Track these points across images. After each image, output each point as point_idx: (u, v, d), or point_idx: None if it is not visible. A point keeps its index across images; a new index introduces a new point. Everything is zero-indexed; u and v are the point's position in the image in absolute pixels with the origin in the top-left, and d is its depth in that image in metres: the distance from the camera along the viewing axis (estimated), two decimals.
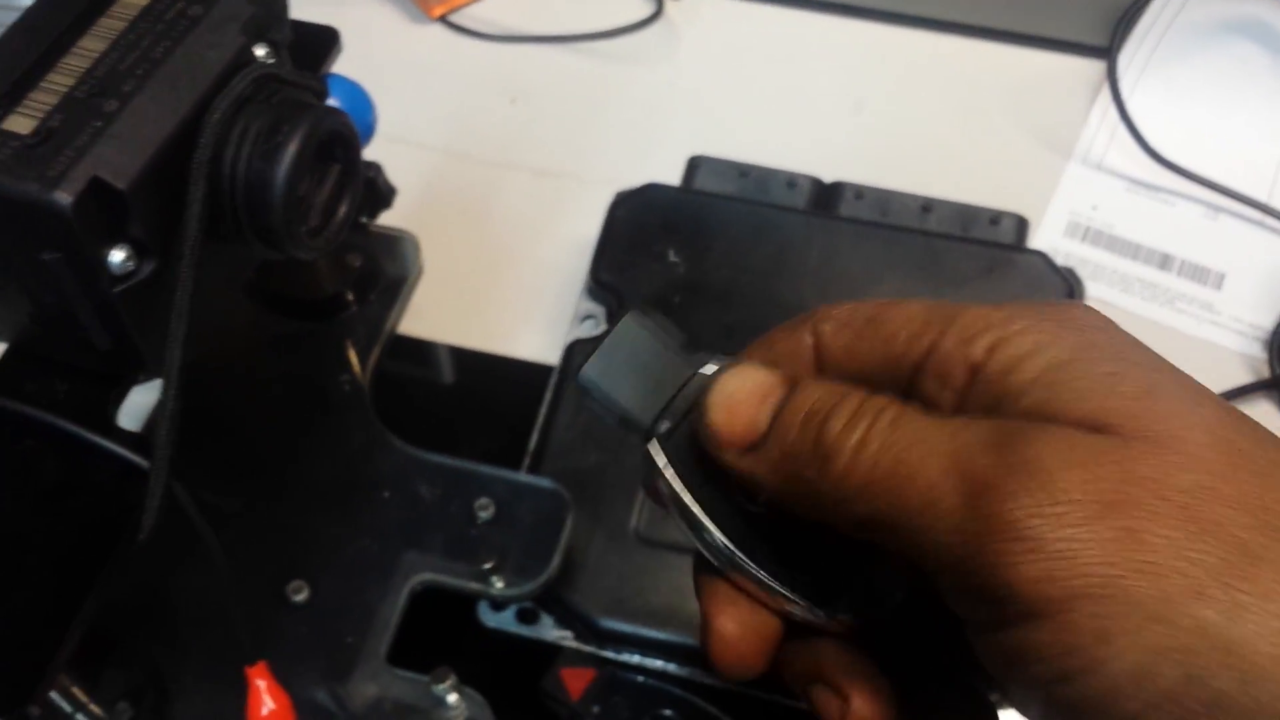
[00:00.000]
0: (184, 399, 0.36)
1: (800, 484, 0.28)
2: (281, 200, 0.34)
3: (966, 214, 0.65)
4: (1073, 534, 0.24)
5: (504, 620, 0.52)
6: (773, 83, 0.76)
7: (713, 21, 0.79)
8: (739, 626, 0.30)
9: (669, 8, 0.79)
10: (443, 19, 0.77)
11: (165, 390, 0.35)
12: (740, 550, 0.29)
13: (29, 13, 0.36)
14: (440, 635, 0.51)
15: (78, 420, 0.38)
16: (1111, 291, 0.67)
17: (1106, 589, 0.24)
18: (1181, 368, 0.27)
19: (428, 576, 0.49)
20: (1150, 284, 0.67)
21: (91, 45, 0.35)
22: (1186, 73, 0.73)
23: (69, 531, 0.37)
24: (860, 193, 0.66)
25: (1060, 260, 0.63)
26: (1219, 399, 0.26)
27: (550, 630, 0.52)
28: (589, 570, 0.52)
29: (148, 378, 0.38)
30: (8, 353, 0.40)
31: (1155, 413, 0.25)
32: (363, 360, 0.55)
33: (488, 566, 0.48)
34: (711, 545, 0.29)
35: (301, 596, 0.49)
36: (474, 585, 0.49)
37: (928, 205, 0.65)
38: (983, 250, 0.62)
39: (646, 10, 0.78)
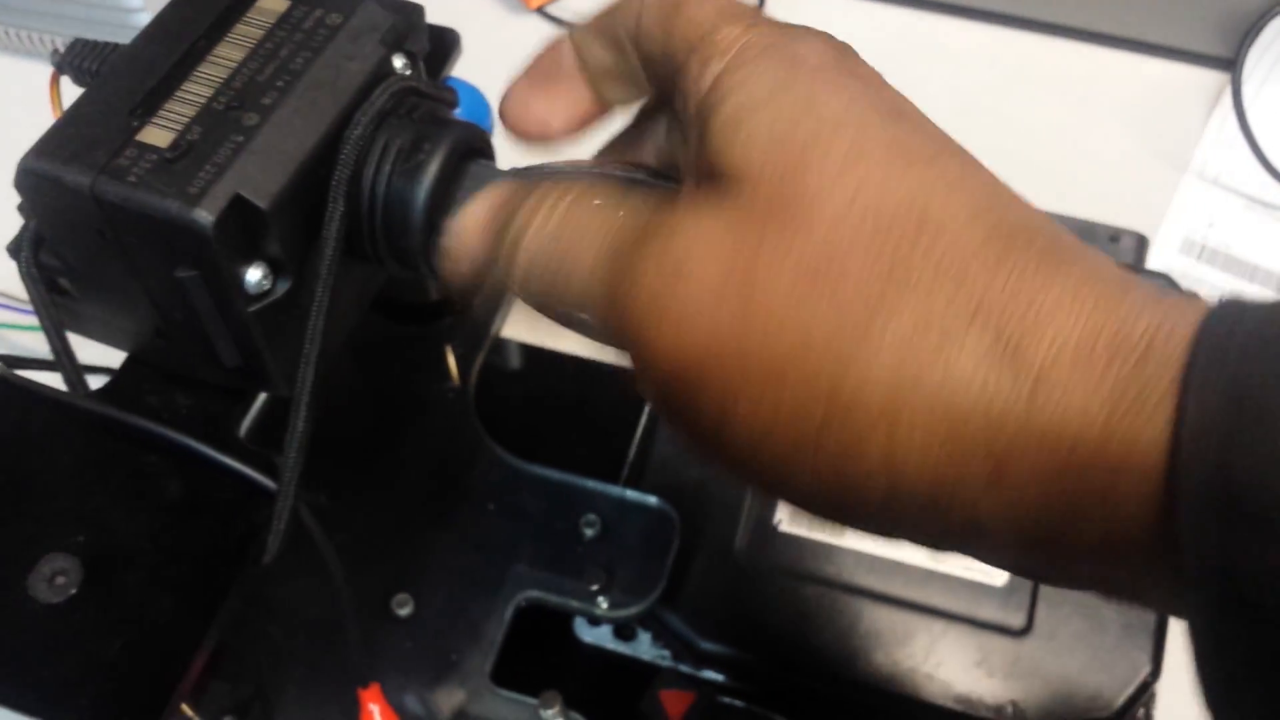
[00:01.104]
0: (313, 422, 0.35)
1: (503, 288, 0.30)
2: (422, 221, 0.33)
3: (1085, 231, 0.62)
4: (694, 310, 0.25)
5: (601, 636, 0.51)
6: None
7: (814, 18, 0.77)
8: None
9: (771, 3, 0.77)
10: (540, 10, 0.76)
11: (294, 412, 0.34)
12: None
13: (161, 17, 0.35)
14: (535, 648, 0.50)
15: (201, 437, 0.37)
16: None
17: (725, 355, 0.25)
18: None
19: (533, 594, 0.48)
20: None
21: (228, 53, 0.34)
22: None
23: (193, 551, 0.36)
24: None
25: (1175, 277, 0.61)
26: (907, 143, 0.26)
27: (648, 648, 0.51)
28: (690, 589, 0.51)
29: (274, 394, 0.37)
30: (127, 363, 0.39)
31: (809, 167, 0.25)
32: (466, 367, 0.54)
33: (595, 588, 0.47)
34: None
35: (406, 610, 0.48)
36: (579, 604, 0.48)
37: None
38: None
39: (749, 4, 0.77)
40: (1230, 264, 0.67)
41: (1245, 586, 0.20)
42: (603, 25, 0.32)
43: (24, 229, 0.36)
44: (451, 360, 0.54)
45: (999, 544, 0.25)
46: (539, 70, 0.34)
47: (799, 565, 0.51)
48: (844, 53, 0.29)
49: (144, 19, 0.60)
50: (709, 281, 0.25)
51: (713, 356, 0.25)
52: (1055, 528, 0.24)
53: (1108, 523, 0.23)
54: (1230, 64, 0.71)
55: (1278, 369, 0.21)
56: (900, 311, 0.24)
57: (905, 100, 0.29)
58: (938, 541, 0.27)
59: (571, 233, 0.29)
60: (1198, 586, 0.21)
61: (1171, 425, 0.22)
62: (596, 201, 0.29)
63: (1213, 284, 0.66)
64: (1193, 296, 0.24)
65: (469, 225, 0.31)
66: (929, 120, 0.28)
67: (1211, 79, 0.73)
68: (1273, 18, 0.69)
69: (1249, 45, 0.70)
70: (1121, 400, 0.22)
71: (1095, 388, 0.23)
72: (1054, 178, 0.69)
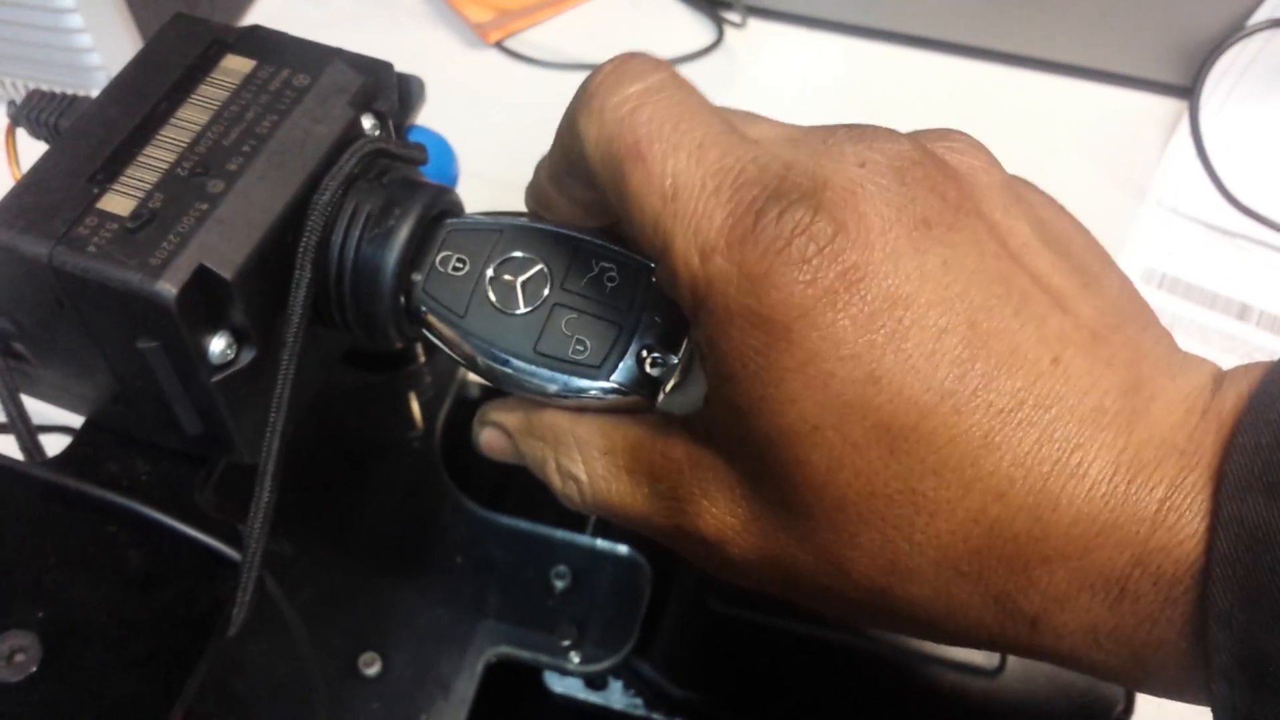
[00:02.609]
0: (279, 491, 0.34)
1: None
2: (391, 287, 0.32)
3: None
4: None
5: (571, 686, 0.50)
6: (836, 113, 0.74)
7: (774, 49, 0.77)
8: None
9: (729, 35, 0.76)
10: (499, 45, 0.75)
11: (260, 483, 0.33)
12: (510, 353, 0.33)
13: (122, 76, 0.34)
14: (506, 699, 0.49)
15: (162, 506, 0.35)
16: (1190, 342, 0.65)
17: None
18: None
19: (503, 650, 0.47)
20: (1229, 335, 0.65)
21: (192, 116, 0.33)
22: (1266, 115, 0.71)
23: (156, 624, 0.35)
24: None
25: None
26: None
27: (620, 697, 0.51)
28: (662, 637, 0.50)
29: (236, 461, 0.36)
30: (85, 427, 0.38)
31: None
32: (432, 415, 0.53)
33: (566, 643, 0.47)
34: (486, 365, 0.33)
35: (373, 670, 0.46)
36: (550, 660, 0.47)
37: None
38: None
39: (707, 38, 0.76)
40: (1191, 292, 0.67)
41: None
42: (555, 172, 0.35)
43: None
44: (416, 408, 0.53)
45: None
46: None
47: (773, 610, 0.50)
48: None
49: (94, 59, 0.59)
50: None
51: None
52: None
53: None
54: (1188, 92, 0.71)
55: None
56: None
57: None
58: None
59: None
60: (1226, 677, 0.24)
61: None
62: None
63: (1174, 312, 0.67)
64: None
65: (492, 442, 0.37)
66: None
67: (1169, 107, 0.74)
68: (1229, 46, 0.70)
69: (1206, 73, 0.71)
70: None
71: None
72: None
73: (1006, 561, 0.27)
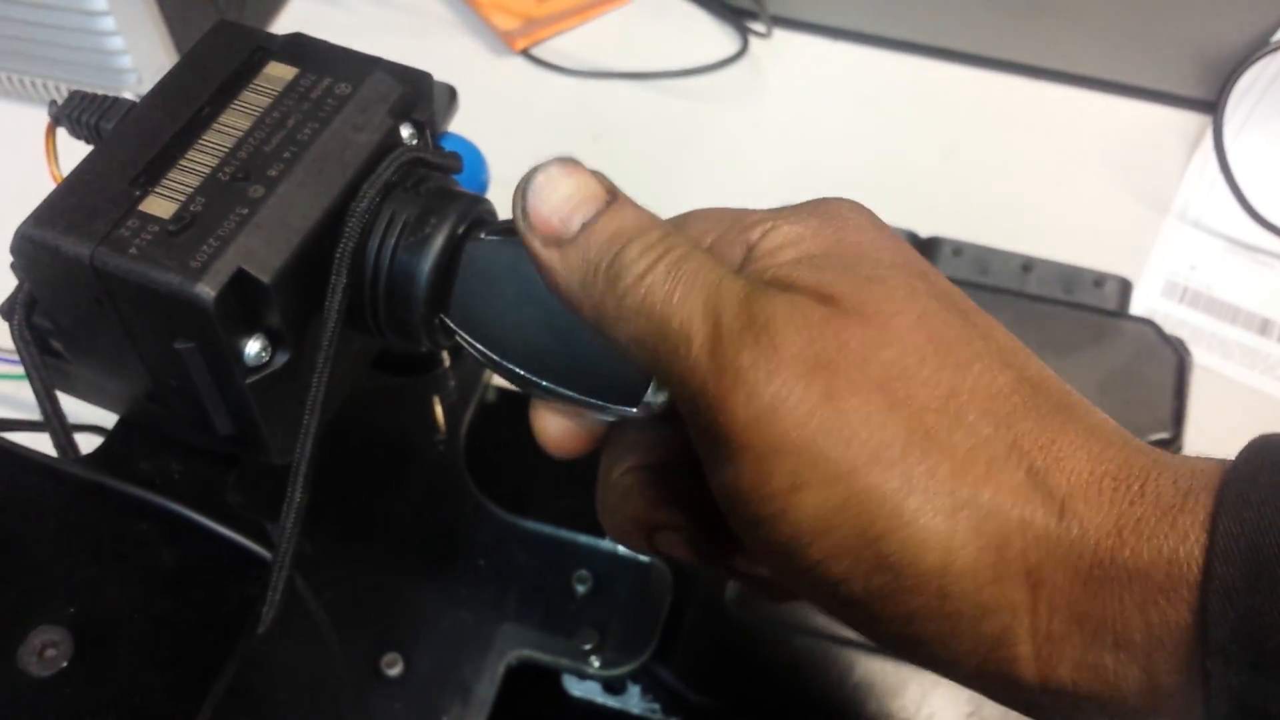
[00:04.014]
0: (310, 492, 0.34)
1: (589, 291, 0.30)
2: (425, 294, 0.33)
3: (1068, 275, 0.63)
4: (782, 388, 0.27)
5: (590, 690, 0.51)
6: (861, 125, 0.74)
7: (799, 60, 0.78)
8: (559, 428, 0.35)
9: (754, 45, 0.77)
10: (525, 53, 0.76)
11: (292, 484, 0.34)
12: (535, 375, 0.33)
13: (166, 81, 0.34)
14: (523, 702, 0.50)
15: (194, 504, 0.36)
16: (1210, 357, 0.65)
17: (801, 445, 0.27)
18: None
19: (525, 653, 0.48)
20: (1250, 350, 0.65)
21: (234, 122, 0.33)
22: None
23: (186, 622, 0.35)
24: (959, 249, 0.64)
25: (1158, 321, 0.61)
26: (948, 297, 0.30)
27: (638, 702, 0.51)
28: (681, 642, 0.50)
29: (268, 461, 0.36)
30: (119, 425, 0.39)
31: (876, 295, 0.28)
32: (456, 419, 0.53)
33: (587, 647, 0.47)
34: (515, 376, 0.33)
35: (396, 670, 0.47)
36: (571, 663, 0.48)
37: (1028, 264, 0.63)
38: (1089, 317, 0.60)
39: (732, 48, 0.77)
40: (1212, 306, 0.67)
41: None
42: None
43: (17, 290, 0.36)
44: (440, 412, 0.54)
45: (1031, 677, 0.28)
46: None
47: (790, 616, 0.50)
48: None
49: (125, 61, 0.60)
50: (798, 358, 0.27)
51: (789, 440, 0.27)
52: (1087, 649, 0.26)
53: (1132, 648, 0.26)
54: (1211, 106, 0.71)
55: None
56: (954, 441, 0.27)
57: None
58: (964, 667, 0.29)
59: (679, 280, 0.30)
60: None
61: (1180, 545, 0.25)
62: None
63: (1195, 326, 0.67)
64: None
65: (566, 193, 0.32)
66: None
67: (1193, 121, 0.74)
68: (1254, 61, 0.70)
69: (1230, 88, 0.71)
70: (1124, 526, 0.26)
71: (1105, 515, 0.26)
72: (1037, 220, 0.69)
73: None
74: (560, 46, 0.77)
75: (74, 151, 0.36)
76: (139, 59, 0.61)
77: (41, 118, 0.39)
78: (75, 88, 0.38)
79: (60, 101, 0.38)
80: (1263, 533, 0.24)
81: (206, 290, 0.30)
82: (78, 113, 0.37)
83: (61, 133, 0.39)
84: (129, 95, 0.36)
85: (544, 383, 0.33)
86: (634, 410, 0.32)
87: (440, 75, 0.44)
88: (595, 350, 0.32)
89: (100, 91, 0.38)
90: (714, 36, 0.78)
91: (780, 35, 0.78)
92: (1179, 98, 0.74)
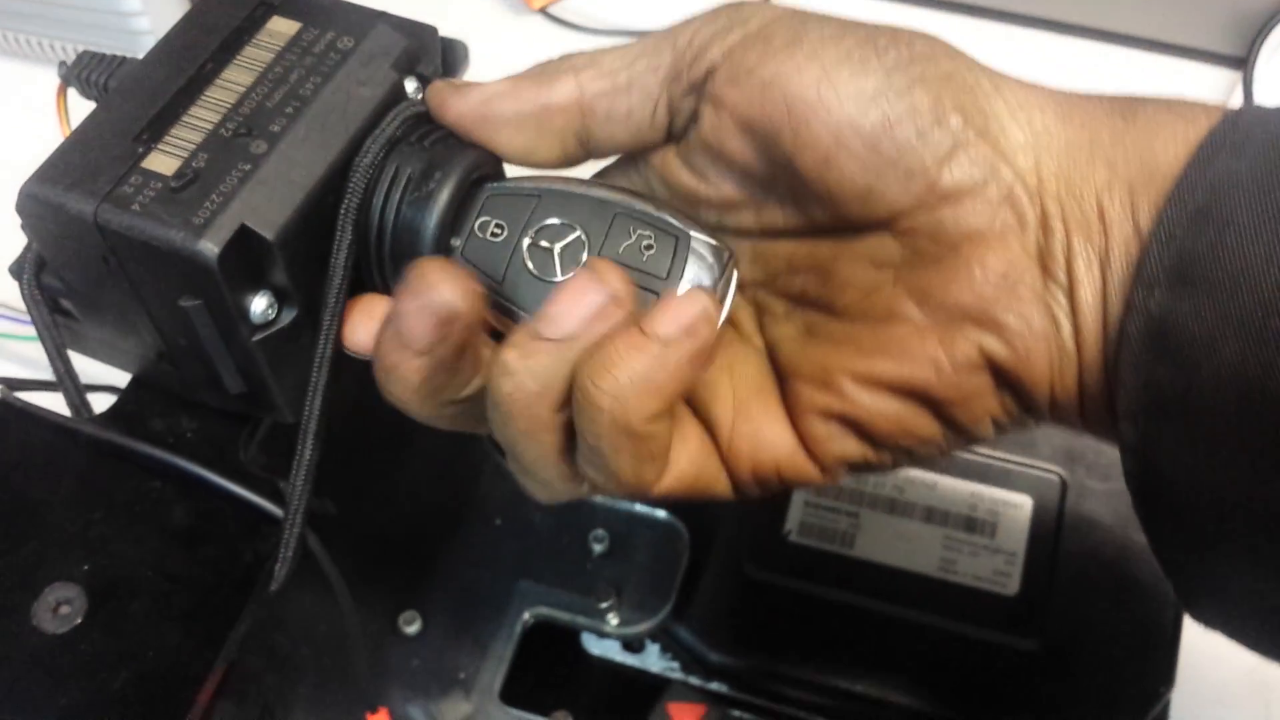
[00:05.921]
0: (321, 449, 0.34)
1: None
2: (431, 249, 0.32)
3: None
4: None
5: (609, 648, 0.51)
6: None
7: (819, 10, 0.76)
8: None
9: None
10: (544, 11, 0.75)
11: (301, 441, 0.34)
12: None
13: (169, 37, 0.34)
14: (543, 661, 0.50)
15: (207, 462, 0.36)
16: None
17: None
18: None
19: (541, 611, 0.48)
20: None
21: (236, 78, 0.33)
22: None
23: (199, 579, 0.35)
24: None
25: None
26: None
27: (656, 660, 0.51)
28: (698, 601, 0.50)
29: (279, 419, 0.36)
30: (131, 385, 0.39)
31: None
32: None
33: (604, 605, 0.47)
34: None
35: (413, 628, 0.47)
36: (588, 621, 0.48)
37: None
38: None
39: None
40: None
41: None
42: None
43: (26, 250, 0.36)
44: None
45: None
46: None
47: (809, 576, 0.50)
48: None
49: (142, 23, 0.60)
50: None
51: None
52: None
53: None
54: (1241, 63, 0.70)
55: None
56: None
57: None
58: None
59: None
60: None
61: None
62: None
63: None
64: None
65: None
66: None
67: (1222, 77, 0.72)
68: None
69: (1260, 44, 0.69)
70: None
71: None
72: None
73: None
74: (578, 5, 0.76)
75: (87, 112, 0.36)
76: (155, 20, 0.61)
77: (51, 77, 0.39)
78: (92, 49, 0.38)
79: (69, 63, 0.38)
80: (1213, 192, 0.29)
81: (210, 246, 0.30)
82: (87, 73, 0.37)
83: (74, 94, 0.39)
84: None
85: None
86: None
87: (454, 33, 0.44)
88: None
89: (118, 54, 0.38)
90: None
91: None
92: (1208, 54, 0.73)
